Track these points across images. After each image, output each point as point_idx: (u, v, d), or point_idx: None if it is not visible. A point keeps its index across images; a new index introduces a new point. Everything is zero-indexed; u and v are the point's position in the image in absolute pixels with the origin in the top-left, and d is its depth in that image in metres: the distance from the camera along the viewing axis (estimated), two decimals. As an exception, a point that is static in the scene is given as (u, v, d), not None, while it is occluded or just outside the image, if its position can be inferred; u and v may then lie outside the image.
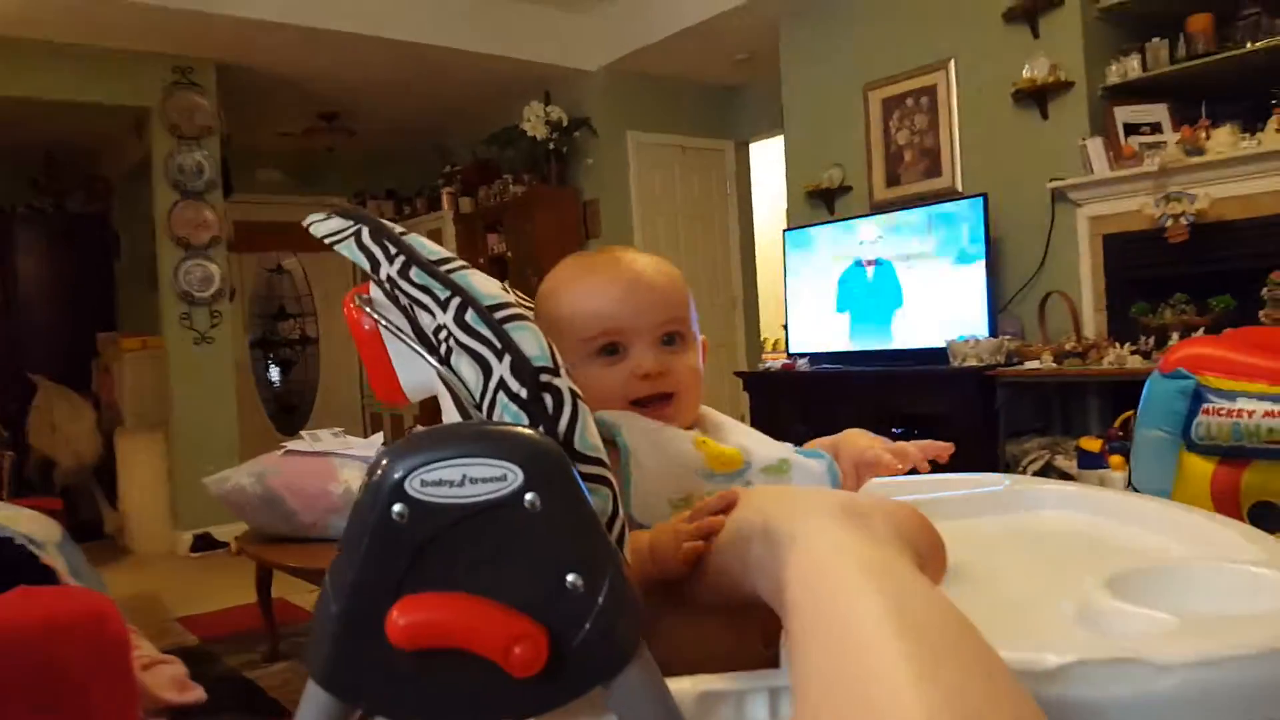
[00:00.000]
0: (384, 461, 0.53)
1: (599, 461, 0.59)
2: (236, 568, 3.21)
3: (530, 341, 0.59)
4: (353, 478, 2.77)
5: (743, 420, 0.88)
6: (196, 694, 2.58)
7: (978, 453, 3.23)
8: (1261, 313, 2.73)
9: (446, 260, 0.64)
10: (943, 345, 3.57)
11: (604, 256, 0.83)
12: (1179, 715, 0.44)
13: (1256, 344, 1.64)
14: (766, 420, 4.04)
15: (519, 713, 0.55)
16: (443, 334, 0.61)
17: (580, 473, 0.57)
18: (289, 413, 6.93)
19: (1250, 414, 1.54)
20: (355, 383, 7.24)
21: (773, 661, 0.62)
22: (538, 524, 0.52)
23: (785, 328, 4.56)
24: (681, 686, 0.61)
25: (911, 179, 4.16)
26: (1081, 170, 3.40)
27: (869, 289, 4.05)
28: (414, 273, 0.63)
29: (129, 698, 1.66)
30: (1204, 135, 3.04)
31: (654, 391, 0.79)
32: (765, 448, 0.79)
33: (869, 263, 4.04)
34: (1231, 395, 1.57)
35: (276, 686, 2.77)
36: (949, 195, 3.89)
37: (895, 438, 0.94)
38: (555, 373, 0.58)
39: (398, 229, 0.67)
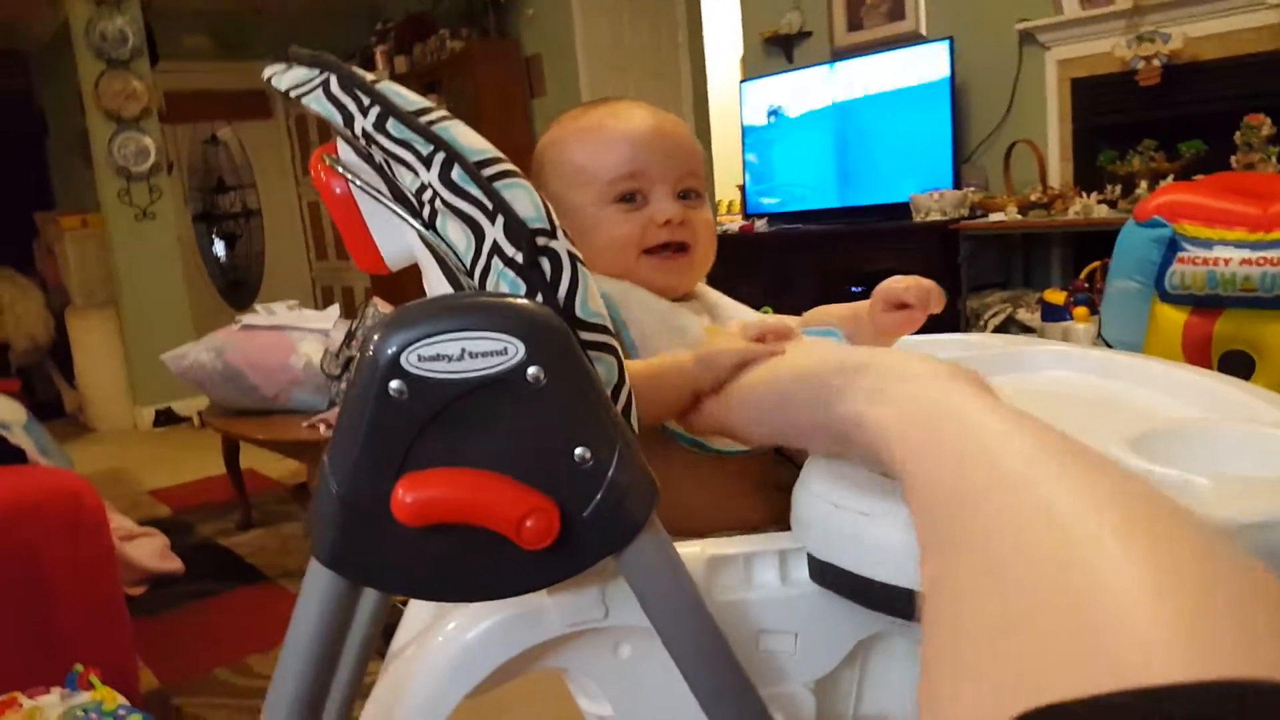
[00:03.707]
0: (377, 336, 0.50)
1: (602, 329, 0.56)
2: (202, 440, 3.19)
3: (524, 201, 0.55)
4: (311, 350, 2.73)
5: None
6: (176, 564, 2.62)
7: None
8: (1234, 158, 2.69)
9: (426, 110, 0.59)
10: (905, 199, 3.53)
11: (618, 105, 0.81)
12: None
13: (1235, 189, 1.62)
14: (724, 287, 3.95)
15: (531, 585, 0.54)
16: (427, 194, 0.57)
17: (583, 340, 0.54)
18: (238, 287, 6.78)
19: (1227, 262, 1.53)
20: (303, 255, 7.08)
21: (780, 519, 0.61)
22: (542, 398, 0.50)
23: (742, 188, 4.47)
24: (691, 551, 0.60)
25: (875, 22, 4.02)
26: (1051, 10, 3.30)
27: (829, 143, 3.97)
28: (391, 125, 0.58)
29: (109, 571, 1.66)
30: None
31: (673, 239, 0.77)
32: None
33: (828, 114, 3.95)
34: (1208, 243, 1.56)
35: (252, 553, 2.82)
36: (913, 39, 3.77)
37: (855, 296, 0.92)
38: (552, 234, 0.55)
39: (369, 76, 0.61)
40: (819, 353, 0.56)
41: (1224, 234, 1.59)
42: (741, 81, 4.43)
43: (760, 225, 4.20)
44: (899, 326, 0.82)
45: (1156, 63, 2.88)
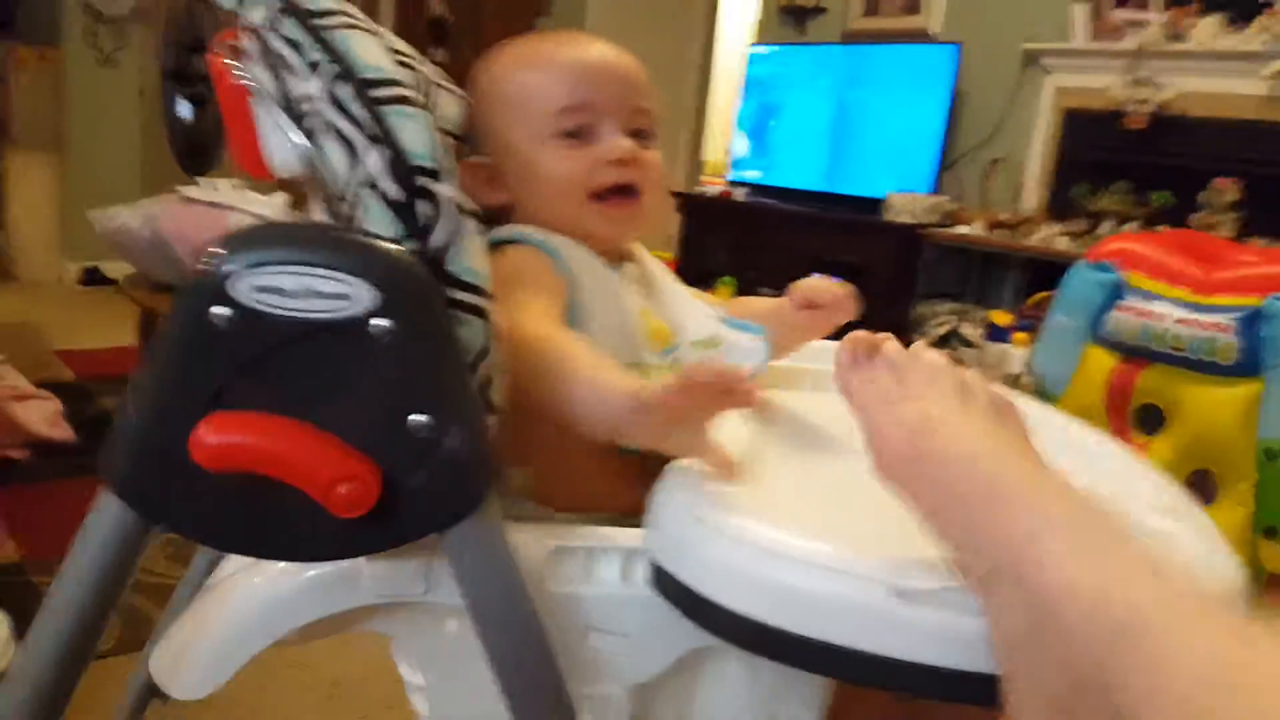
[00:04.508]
0: (215, 251, 0.45)
1: (476, 289, 0.51)
2: (124, 307, 3.07)
3: (414, 133, 0.49)
4: (251, 236, 2.62)
5: (668, 245, 0.81)
6: (66, 433, 2.52)
7: (889, 309, 3.23)
8: (1194, 216, 2.72)
9: (329, 13, 0.52)
10: (881, 195, 3.50)
11: (568, 34, 0.75)
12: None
13: (1189, 248, 1.61)
14: (694, 247, 3.97)
15: (338, 553, 0.50)
16: (307, 105, 0.51)
17: (452, 299, 0.49)
18: (198, 154, 6.52)
19: (1163, 318, 1.53)
20: (274, 133, 6.83)
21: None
22: (385, 354, 0.45)
23: (730, 152, 4.41)
24: (535, 538, 0.56)
25: (890, 12, 3.94)
26: (1059, 36, 3.26)
27: (820, 125, 3.92)
28: (286, 24, 0.52)
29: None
30: (1191, 22, 2.91)
31: (623, 179, 0.70)
32: (696, 319, 0.72)
33: (826, 96, 3.89)
34: (1149, 296, 1.56)
35: (153, 435, 2.72)
36: (922, 37, 3.72)
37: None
38: (437, 177, 0.49)
39: None
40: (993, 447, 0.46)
41: (1166, 290, 1.59)
42: (751, 45, 4.34)
43: (739, 194, 4.15)
44: (810, 326, 0.80)
45: (1146, 109, 2.87)
